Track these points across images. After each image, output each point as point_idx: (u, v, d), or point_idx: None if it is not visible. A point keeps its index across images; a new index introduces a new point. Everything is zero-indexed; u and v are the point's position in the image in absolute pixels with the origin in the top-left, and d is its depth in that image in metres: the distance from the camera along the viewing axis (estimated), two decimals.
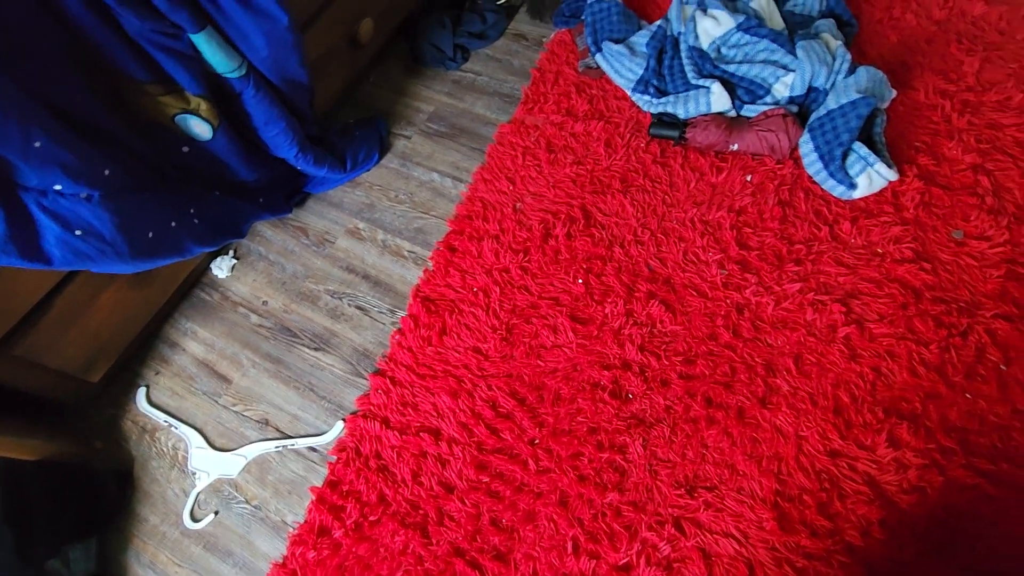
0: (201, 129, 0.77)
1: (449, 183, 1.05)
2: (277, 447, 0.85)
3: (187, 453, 0.87)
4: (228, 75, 0.75)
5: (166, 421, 0.89)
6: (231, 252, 1.03)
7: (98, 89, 0.67)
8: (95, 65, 0.65)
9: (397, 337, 0.91)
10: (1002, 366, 0.77)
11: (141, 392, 0.92)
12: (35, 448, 0.78)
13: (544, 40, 1.19)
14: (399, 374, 0.87)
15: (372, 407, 0.86)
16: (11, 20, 0.57)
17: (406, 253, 0.99)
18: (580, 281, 0.91)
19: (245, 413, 0.89)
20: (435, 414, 0.84)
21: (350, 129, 1.08)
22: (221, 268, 1.01)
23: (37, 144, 0.59)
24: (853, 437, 0.75)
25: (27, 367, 0.78)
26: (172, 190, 0.81)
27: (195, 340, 0.96)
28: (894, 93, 0.94)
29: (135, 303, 0.89)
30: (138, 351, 0.96)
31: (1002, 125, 0.94)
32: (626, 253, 0.92)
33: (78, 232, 0.66)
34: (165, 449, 0.88)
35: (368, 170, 1.08)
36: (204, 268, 1.02)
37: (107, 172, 0.67)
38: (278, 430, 0.87)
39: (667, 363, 0.83)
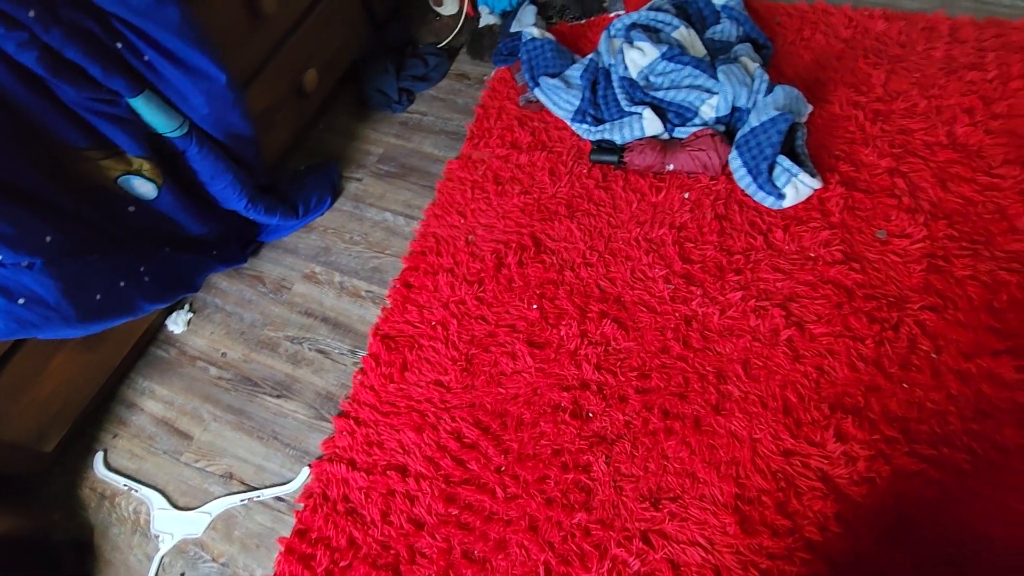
0: (145, 189, 0.78)
1: (402, 221, 1.08)
2: (242, 500, 0.84)
3: (149, 516, 0.85)
4: (170, 135, 0.77)
5: (126, 485, 0.87)
6: (187, 306, 1.03)
7: (37, 158, 0.67)
8: (32, 135, 0.66)
9: (359, 377, 0.91)
10: (933, 355, 0.81)
11: (98, 457, 0.90)
12: None
13: (485, 78, 1.24)
14: (363, 414, 0.88)
15: (337, 450, 0.86)
16: None
17: (364, 293, 1.01)
18: (535, 307, 0.93)
19: (208, 469, 0.88)
20: (401, 451, 0.84)
21: (301, 176, 1.10)
22: (177, 323, 1.01)
23: None
24: (803, 435, 0.78)
25: None
26: (120, 250, 0.81)
27: (153, 399, 0.95)
28: (811, 108, 1.01)
29: (88, 366, 0.88)
30: (94, 415, 0.94)
31: (911, 130, 1.01)
32: (577, 276, 0.95)
33: (21, 300, 0.66)
34: (126, 514, 0.86)
35: (321, 214, 1.10)
36: (159, 324, 1.02)
37: (49, 239, 0.67)
38: (243, 483, 0.86)
39: (623, 379, 0.86)
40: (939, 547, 0.71)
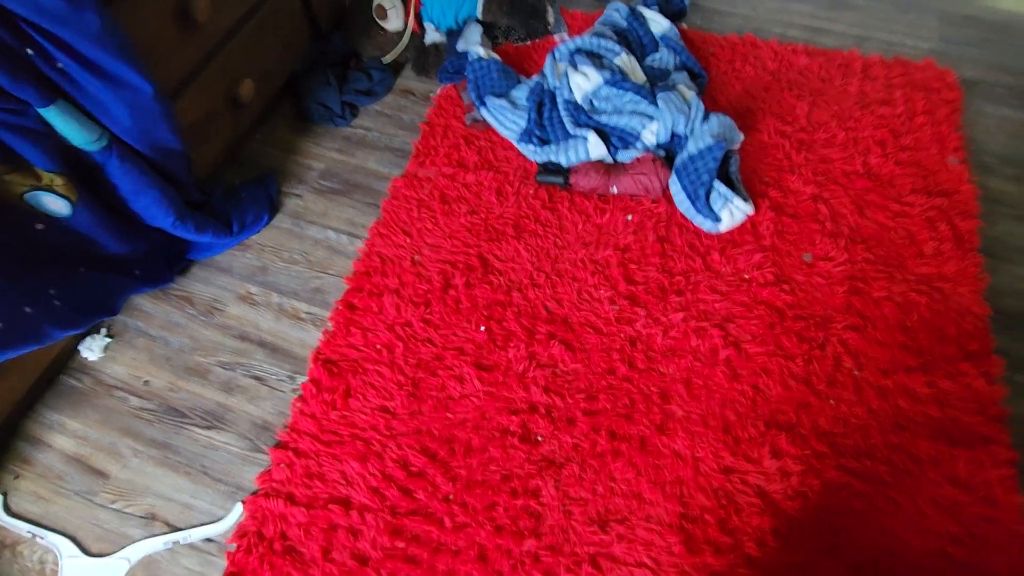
0: (57, 206, 0.72)
1: (345, 239, 1.04)
2: (166, 543, 0.78)
3: (57, 566, 0.77)
4: (87, 148, 0.71)
5: (29, 531, 0.79)
6: (103, 331, 0.95)
7: None
8: None
9: (299, 405, 0.87)
10: (856, 372, 0.87)
11: None
12: None
13: (431, 95, 1.23)
14: (303, 444, 0.84)
15: (274, 484, 0.81)
16: None
17: (304, 315, 0.96)
18: (483, 329, 0.93)
19: (127, 510, 0.81)
20: (344, 482, 0.81)
21: (236, 191, 1.05)
22: (91, 349, 0.92)
23: None
24: (742, 452, 0.81)
25: None
26: (25, 272, 0.74)
27: (63, 433, 0.87)
28: (743, 136, 1.06)
29: None
30: None
31: (832, 159, 1.09)
32: (524, 297, 0.96)
33: None
34: (29, 564, 0.77)
35: (258, 232, 1.05)
36: (71, 350, 0.93)
37: None
38: (167, 524, 0.80)
39: (571, 401, 0.86)
40: (867, 554, 0.75)
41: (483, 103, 1.13)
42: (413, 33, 1.22)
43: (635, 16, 1.21)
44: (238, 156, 1.15)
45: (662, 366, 0.89)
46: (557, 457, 0.82)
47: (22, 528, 0.79)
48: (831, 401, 0.85)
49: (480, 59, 1.16)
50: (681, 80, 1.13)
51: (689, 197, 0.99)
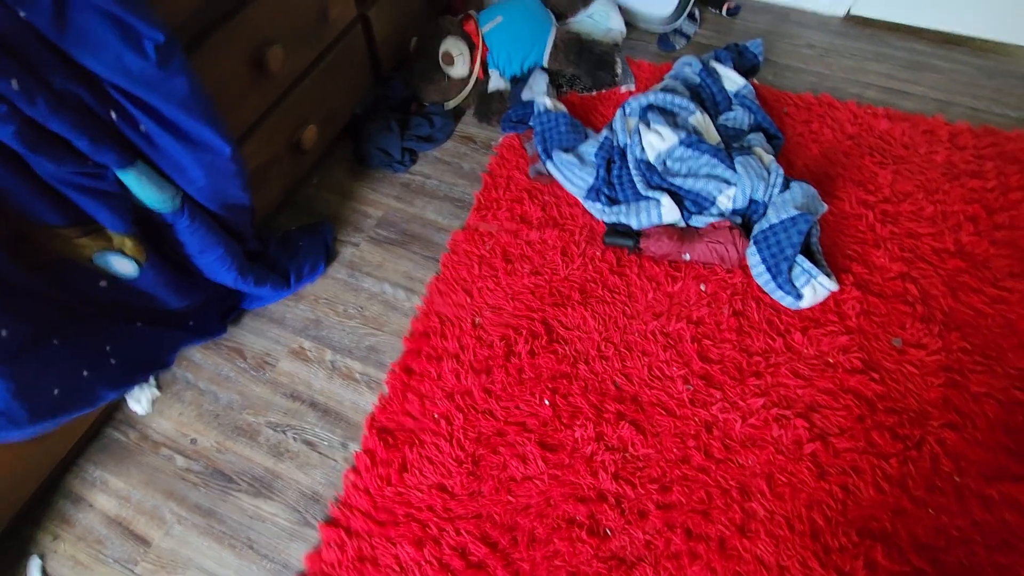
0: (125, 267, 0.68)
1: (402, 295, 1.00)
2: None
3: None
4: (160, 209, 0.68)
5: None
6: (152, 381, 0.91)
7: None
8: None
9: (351, 477, 0.82)
10: (956, 477, 0.80)
11: (34, 565, 0.77)
12: None
13: (492, 143, 1.19)
14: (355, 522, 0.78)
15: (324, 566, 0.76)
16: None
17: (358, 376, 0.92)
18: (547, 402, 0.87)
19: None
20: (398, 569, 0.75)
21: (292, 239, 1.01)
22: (139, 402, 0.89)
23: None
24: (833, 564, 0.74)
25: None
26: (83, 330, 0.70)
27: (105, 492, 0.83)
28: (826, 207, 1.00)
29: (30, 458, 0.75)
30: (31, 511, 0.80)
31: (919, 234, 1.02)
32: (591, 370, 0.90)
33: None
34: None
35: (313, 281, 1.01)
36: (118, 401, 0.89)
37: (5, 333, 0.57)
38: None
39: (643, 492, 0.80)
40: None
41: (549, 157, 1.09)
42: (477, 79, 1.19)
43: (708, 72, 1.16)
44: (294, 201, 1.12)
45: (741, 457, 0.82)
46: (628, 555, 0.76)
47: None
48: (930, 510, 0.78)
49: (548, 111, 1.12)
50: (757, 142, 1.08)
51: (769, 271, 0.93)
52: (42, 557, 0.78)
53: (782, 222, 0.94)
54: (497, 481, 0.81)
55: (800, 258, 0.93)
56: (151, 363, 0.81)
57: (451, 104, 1.21)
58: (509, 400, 0.87)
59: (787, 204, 0.95)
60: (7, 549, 0.78)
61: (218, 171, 0.69)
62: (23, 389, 0.59)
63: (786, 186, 1.00)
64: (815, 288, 0.93)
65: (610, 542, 0.77)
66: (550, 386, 0.88)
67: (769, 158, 1.03)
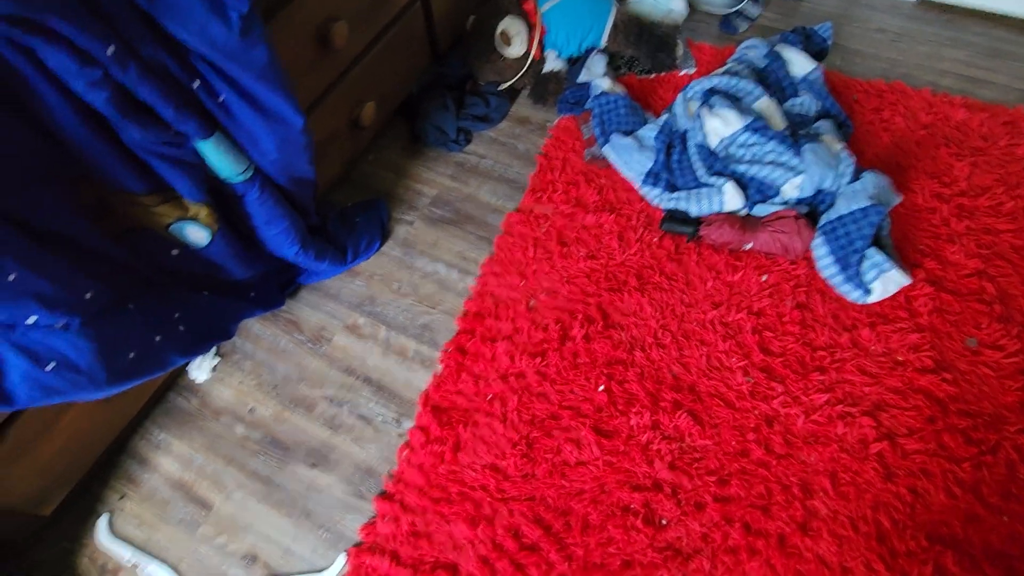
0: (198, 236, 0.70)
1: (456, 275, 1.00)
2: None
3: None
4: (233, 180, 0.68)
5: (132, 559, 0.77)
6: (213, 350, 0.93)
7: (82, 203, 0.58)
8: (80, 178, 0.57)
9: (405, 452, 0.83)
10: None
11: (102, 521, 0.80)
12: None
13: (548, 125, 1.17)
14: (409, 498, 0.79)
15: (379, 538, 0.77)
16: None
17: (411, 353, 0.92)
18: (602, 388, 0.86)
19: (229, 547, 0.78)
20: (451, 546, 0.76)
21: (350, 215, 1.02)
22: (201, 369, 0.91)
23: (11, 277, 0.50)
24: (900, 568, 0.71)
25: None
26: (157, 297, 0.72)
27: (169, 455, 0.85)
28: (900, 198, 0.96)
29: (101, 420, 0.78)
30: (101, 470, 0.83)
31: (998, 230, 0.97)
32: (648, 357, 0.88)
33: (50, 366, 0.57)
34: None
35: (368, 258, 1.02)
36: (181, 368, 0.92)
37: (88, 295, 0.58)
38: (268, 567, 0.77)
39: (700, 483, 0.78)
40: None
41: (607, 140, 1.07)
42: (533, 59, 1.16)
43: (775, 56, 1.12)
44: (350, 177, 1.13)
45: (803, 453, 0.80)
46: (684, 547, 0.75)
47: (125, 554, 0.78)
48: (1005, 517, 0.74)
49: (606, 93, 1.10)
50: (826, 129, 1.03)
51: (838, 263, 0.90)
52: (110, 515, 0.81)
53: (852, 213, 0.90)
54: (551, 465, 0.81)
55: (871, 251, 0.89)
56: (216, 332, 0.83)
57: (507, 84, 1.19)
58: (564, 384, 0.87)
59: (858, 194, 0.91)
60: (78, 506, 0.81)
61: (289, 143, 0.69)
62: (103, 350, 0.61)
63: (856, 176, 0.96)
64: (885, 282, 0.89)
65: (666, 532, 0.75)
66: (605, 372, 0.87)
67: (839, 146, 0.99)
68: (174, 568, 0.77)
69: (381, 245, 1.03)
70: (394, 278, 1.00)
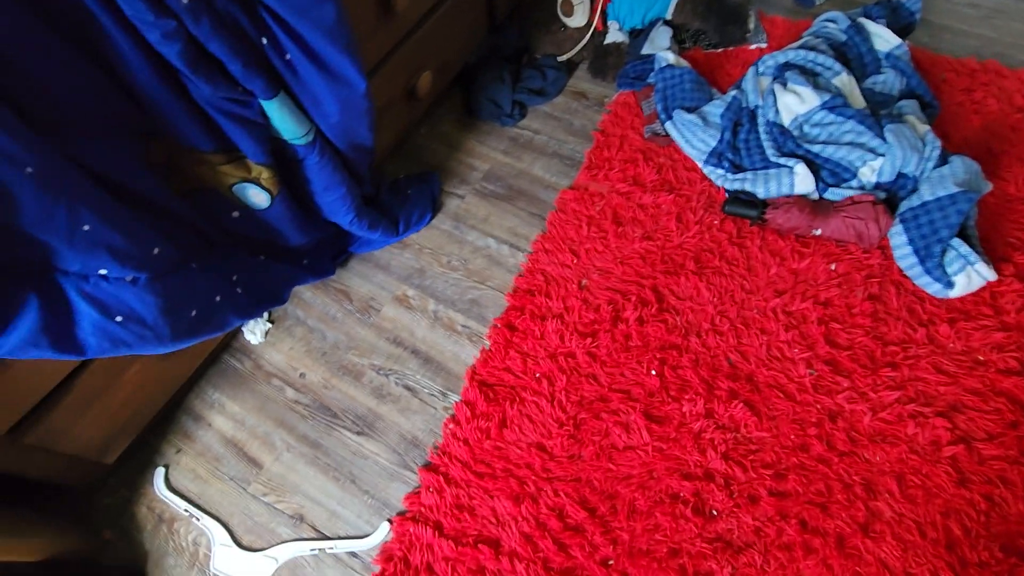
0: (259, 198, 0.70)
1: (506, 251, 0.98)
2: (313, 550, 0.76)
3: (209, 551, 0.77)
4: (294, 142, 0.68)
5: (187, 510, 0.80)
6: (266, 315, 0.95)
7: (152, 161, 0.59)
8: (152, 134, 0.58)
9: (451, 426, 0.82)
10: None
11: (159, 473, 0.83)
12: (39, 548, 0.68)
13: (606, 100, 1.13)
14: (453, 471, 0.79)
15: (423, 508, 0.77)
16: (66, 89, 0.49)
17: (459, 328, 0.91)
18: (654, 373, 0.83)
19: (277, 505, 0.80)
20: (494, 521, 0.75)
21: (402, 187, 1.01)
22: (254, 333, 0.92)
23: (86, 227, 0.51)
24: None
25: (37, 454, 0.68)
26: (217, 258, 0.73)
27: (223, 414, 0.87)
28: (990, 186, 0.88)
29: (161, 376, 0.80)
30: (159, 425, 0.86)
31: None
32: (703, 343, 0.85)
33: (118, 318, 0.58)
34: (184, 544, 0.78)
35: (419, 231, 1.01)
36: (235, 331, 0.94)
37: (156, 251, 0.59)
38: (314, 528, 0.78)
39: (754, 476, 0.75)
40: None
41: (670, 116, 1.02)
42: (595, 31, 1.12)
43: (857, 29, 1.04)
44: (403, 148, 1.12)
45: (868, 452, 0.75)
46: (735, 539, 0.72)
47: (180, 505, 0.80)
48: None
49: (671, 67, 1.05)
50: (910, 110, 0.96)
51: (917, 253, 0.84)
52: (166, 468, 0.84)
53: (938, 199, 0.84)
54: (598, 447, 0.79)
55: (956, 241, 0.83)
56: (270, 297, 0.84)
57: (565, 57, 1.16)
58: (614, 366, 0.84)
59: (945, 180, 0.85)
60: (136, 458, 0.84)
61: (351, 107, 0.68)
62: (168, 307, 0.62)
63: (943, 160, 0.89)
64: (970, 276, 0.82)
65: (716, 523, 0.73)
66: (658, 356, 0.84)
67: (924, 128, 0.92)
68: (225, 523, 0.79)
69: (432, 218, 1.02)
70: (444, 252, 0.99)
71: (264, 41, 0.58)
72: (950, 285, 0.83)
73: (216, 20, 0.52)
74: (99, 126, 0.53)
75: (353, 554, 0.76)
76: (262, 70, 0.59)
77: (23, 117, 0.46)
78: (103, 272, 0.55)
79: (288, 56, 0.60)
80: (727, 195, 0.96)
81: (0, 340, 0.50)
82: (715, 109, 1.02)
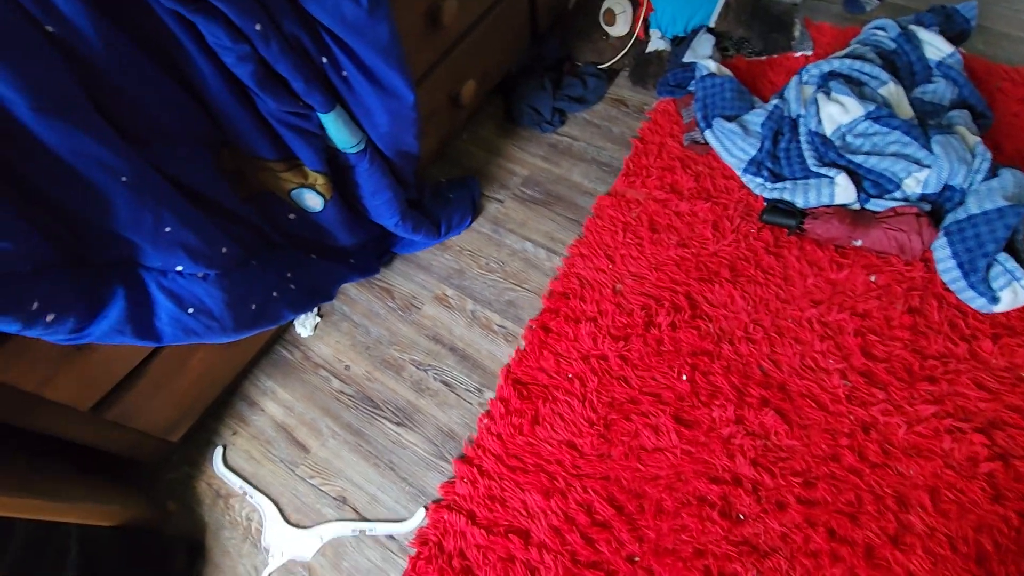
0: (314, 202, 0.75)
1: (543, 254, 1.01)
2: (354, 531, 0.81)
3: (261, 526, 0.83)
4: (347, 150, 0.73)
5: (241, 488, 0.86)
6: (315, 309, 1.01)
7: (223, 167, 0.65)
8: (223, 144, 0.64)
9: (485, 421, 0.86)
10: None
11: (218, 452, 0.90)
12: (114, 513, 0.76)
13: (645, 108, 1.15)
14: (487, 463, 0.83)
15: (457, 497, 0.81)
16: (153, 105, 0.55)
17: (496, 327, 0.95)
18: (685, 378, 0.85)
19: (323, 488, 0.85)
20: (525, 513, 0.78)
21: (444, 191, 1.06)
22: (304, 326, 0.99)
23: (167, 229, 0.57)
24: None
25: (114, 430, 0.76)
26: (274, 257, 0.79)
27: (274, 401, 0.94)
28: None
29: (221, 363, 0.87)
30: (218, 408, 0.93)
31: None
32: (736, 351, 0.86)
33: (190, 310, 0.64)
34: (239, 519, 0.85)
35: (459, 233, 1.05)
36: (287, 324, 1.00)
37: (224, 250, 0.65)
38: (355, 511, 0.83)
39: (783, 483, 0.76)
40: None
41: (709, 125, 1.03)
42: (636, 39, 1.14)
43: (907, 37, 1.02)
44: (445, 153, 1.17)
45: (902, 465, 0.75)
46: (761, 544, 0.73)
47: (235, 483, 0.87)
48: None
49: (712, 75, 1.06)
50: (961, 120, 0.94)
51: (961, 266, 0.82)
52: (224, 448, 0.91)
53: (985, 213, 0.82)
54: (627, 448, 0.81)
55: (1003, 256, 0.81)
56: (320, 293, 0.90)
57: (606, 65, 1.18)
58: (645, 370, 0.86)
59: (994, 193, 0.83)
60: (197, 438, 0.91)
61: (400, 118, 0.73)
62: (232, 301, 0.68)
63: (993, 172, 0.87)
64: (1016, 292, 0.81)
65: (742, 527, 0.74)
66: (689, 361, 0.86)
67: (974, 139, 0.90)
68: (275, 501, 0.85)
69: (472, 221, 1.06)
70: (483, 254, 1.03)
71: (324, 60, 0.63)
72: (995, 300, 0.81)
73: (283, 43, 0.57)
74: (179, 137, 0.59)
75: (391, 537, 0.81)
76: (321, 86, 0.64)
77: (118, 130, 0.52)
78: (179, 268, 0.61)
79: (344, 73, 0.65)
80: (765, 204, 0.96)
81: (92, 327, 0.56)
82: (756, 118, 1.02)
